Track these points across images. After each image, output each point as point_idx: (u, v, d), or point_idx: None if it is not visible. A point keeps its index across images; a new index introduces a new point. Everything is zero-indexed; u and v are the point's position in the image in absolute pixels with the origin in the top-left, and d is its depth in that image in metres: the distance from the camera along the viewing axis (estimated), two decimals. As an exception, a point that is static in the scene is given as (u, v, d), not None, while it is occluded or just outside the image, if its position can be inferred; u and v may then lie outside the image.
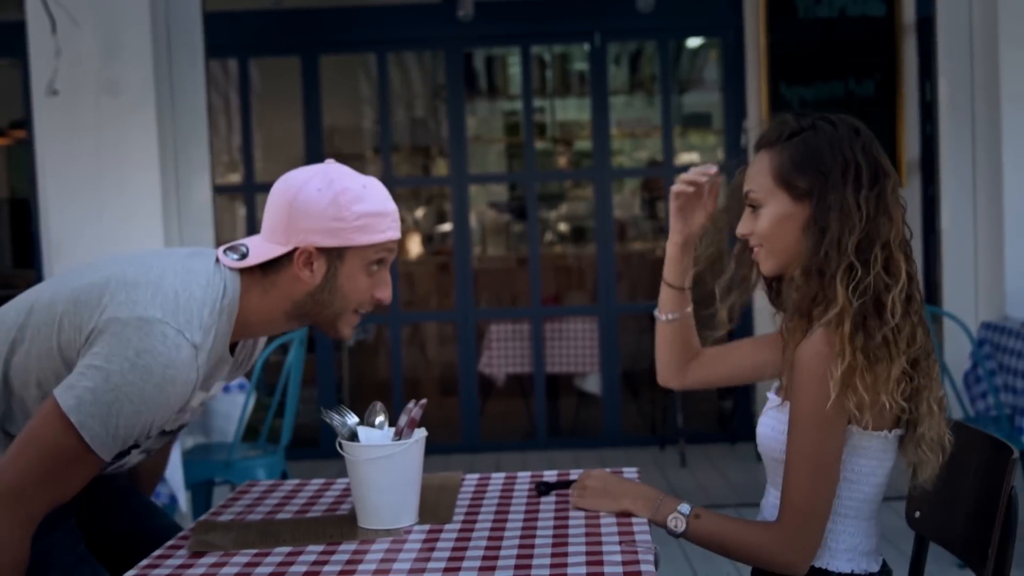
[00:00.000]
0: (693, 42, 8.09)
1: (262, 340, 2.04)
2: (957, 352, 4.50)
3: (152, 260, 1.82)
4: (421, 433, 1.77)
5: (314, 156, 6.22)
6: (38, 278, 5.63)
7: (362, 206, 1.80)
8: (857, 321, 1.66)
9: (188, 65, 4.73)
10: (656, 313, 2.03)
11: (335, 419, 1.78)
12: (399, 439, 1.76)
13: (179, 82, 4.71)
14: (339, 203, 1.78)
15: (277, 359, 5.48)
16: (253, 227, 6.29)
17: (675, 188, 1.91)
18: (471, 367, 6.33)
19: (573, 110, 8.96)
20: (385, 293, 1.87)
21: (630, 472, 2.02)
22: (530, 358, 6.32)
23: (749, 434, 2.43)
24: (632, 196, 8.81)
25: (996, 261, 4.55)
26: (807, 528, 1.68)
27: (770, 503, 1.81)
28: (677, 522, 1.73)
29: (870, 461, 1.73)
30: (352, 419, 1.79)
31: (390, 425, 1.80)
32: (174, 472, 3.80)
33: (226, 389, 4.51)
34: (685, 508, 1.74)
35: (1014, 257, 4.46)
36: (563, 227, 8.87)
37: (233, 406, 4.57)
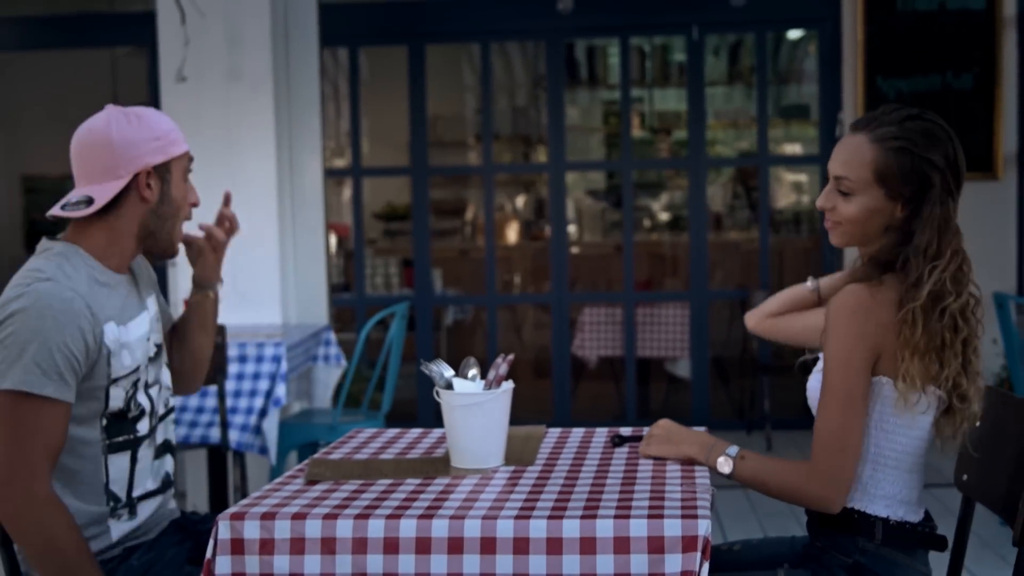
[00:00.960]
0: (792, 34, 8.15)
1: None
2: (1042, 343, 4.54)
3: None
4: (508, 385, 2.00)
5: (418, 142, 6.48)
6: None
7: (164, 123, 2.13)
8: (919, 312, 1.83)
9: (304, 54, 5.01)
10: (810, 279, 2.25)
11: (433, 370, 2.01)
12: (489, 390, 1.98)
13: (295, 70, 4.99)
14: (150, 125, 2.10)
15: (378, 336, 5.76)
16: (358, 209, 6.58)
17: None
18: (564, 349, 6.52)
19: (672, 100, 9.08)
20: (195, 197, 2.21)
21: (699, 428, 2.21)
22: (622, 342, 6.50)
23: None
24: (729, 186, 8.91)
25: (1084, 254, 4.59)
26: (838, 463, 1.84)
27: None
28: (726, 463, 1.92)
29: (905, 413, 1.87)
30: (448, 371, 2.02)
31: (481, 378, 2.02)
32: (270, 429, 4.08)
33: (326, 359, 4.79)
34: (733, 450, 1.93)
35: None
36: (661, 216, 9.00)
37: (333, 377, 4.86)
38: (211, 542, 1.71)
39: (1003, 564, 3.82)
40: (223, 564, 1.69)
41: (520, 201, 9.32)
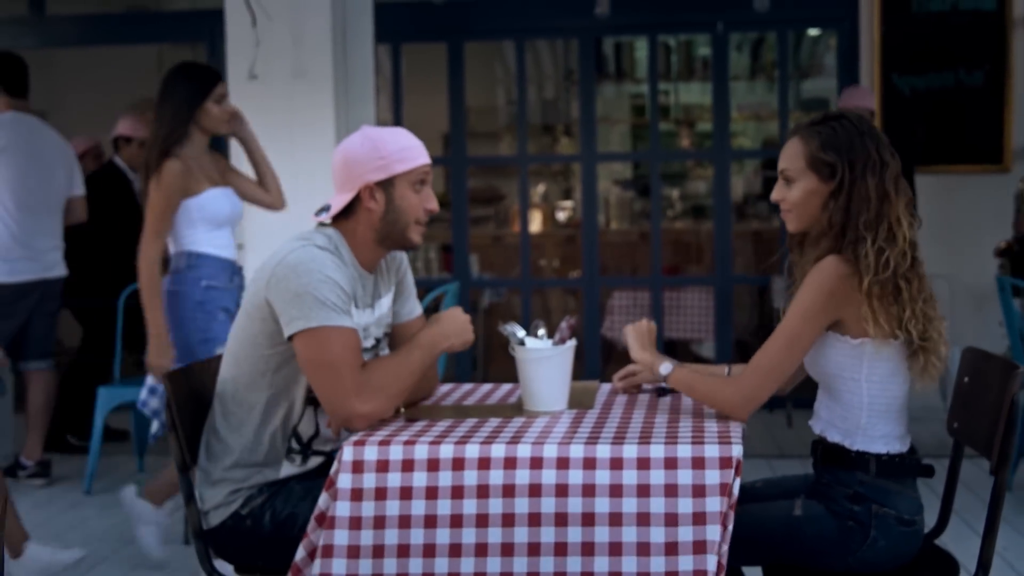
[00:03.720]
0: (812, 31, 8.48)
1: (404, 260, 2.66)
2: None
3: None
4: (572, 342, 2.40)
5: (457, 135, 6.87)
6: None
7: (394, 143, 2.41)
8: (871, 278, 2.23)
9: (360, 51, 5.38)
10: (727, 366, 2.65)
11: (508, 330, 2.42)
12: (557, 346, 2.38)
13: (352, 67, 5.37)
14: (376, 146, 2.39)
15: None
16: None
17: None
18: (595, 331, 6.88)
19: (695, 93, 9.42)
20: (432, 204, 2.46)
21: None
22: (649, 324, 6.83)
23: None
24: (752, 176, 9.24)
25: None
26: (761, 384, 2.26)
27: (823, 405, 2.39)
28: (665, 368, 2.36)
29: (887, 364, 2.28)
30: (521, 331, 2.43)
31: (548, 337, 2.43)
32: None
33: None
34: (667, 368, 2.36)
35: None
36: (682, 205, 9.34)
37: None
38: (335, 464, 2.11)
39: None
40: (344, 480, 2.10)
41: (550, 190, 9.67)
